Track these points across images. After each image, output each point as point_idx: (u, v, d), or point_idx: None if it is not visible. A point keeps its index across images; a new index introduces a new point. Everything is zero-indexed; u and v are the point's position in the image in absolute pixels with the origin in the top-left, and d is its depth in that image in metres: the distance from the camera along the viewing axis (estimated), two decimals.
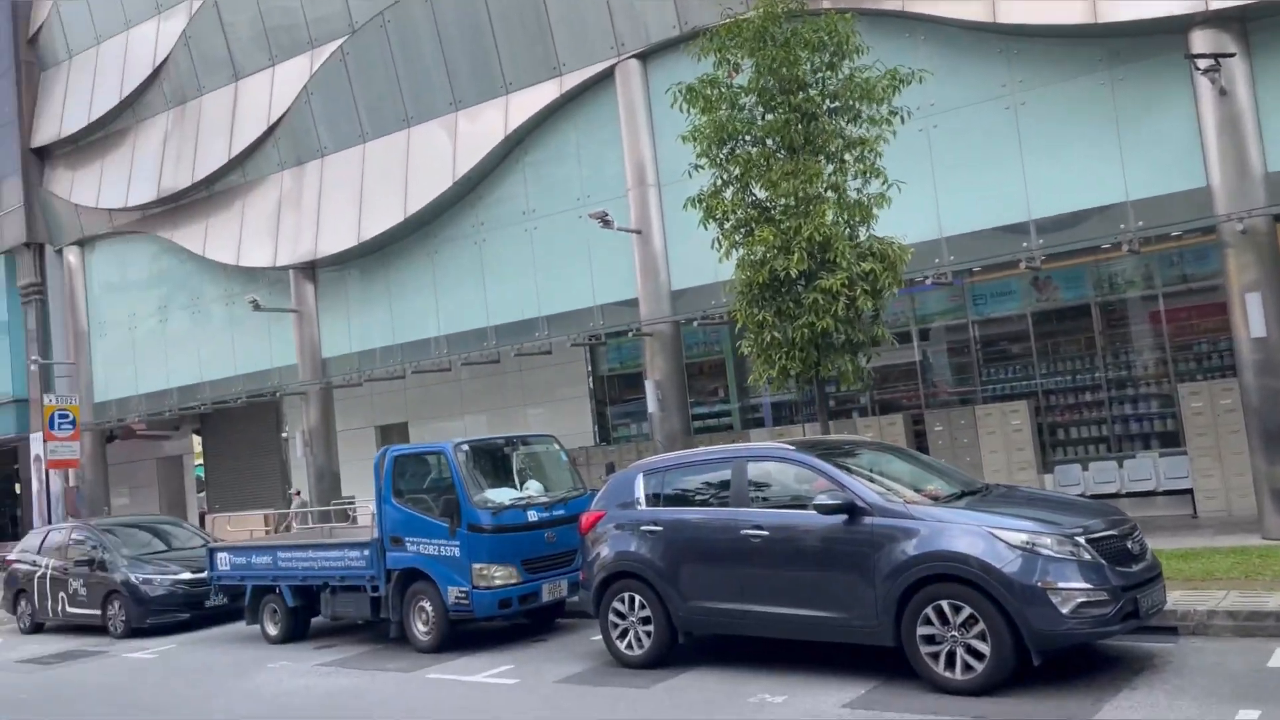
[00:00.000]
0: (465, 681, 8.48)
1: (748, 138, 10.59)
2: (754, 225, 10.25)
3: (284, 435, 23.55)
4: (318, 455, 20.20)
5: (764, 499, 7.75)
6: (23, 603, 15.08)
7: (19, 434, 25.50)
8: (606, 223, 14.53)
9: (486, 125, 17.27)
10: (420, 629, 10.06)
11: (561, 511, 10.21)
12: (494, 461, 10.80)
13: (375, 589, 10.46)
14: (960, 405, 15.28)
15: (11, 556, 15.95)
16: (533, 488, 10.44)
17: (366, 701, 8.12)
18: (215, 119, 21.29)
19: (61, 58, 24.87)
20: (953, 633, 6.52)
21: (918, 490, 7.44)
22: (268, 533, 19.12)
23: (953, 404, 15.48)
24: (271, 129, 20.17)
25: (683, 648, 8.18)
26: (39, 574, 14.74)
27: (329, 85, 19.27)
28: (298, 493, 21.15)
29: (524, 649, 9.64)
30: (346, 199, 19.13)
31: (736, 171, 10.49)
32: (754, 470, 7.83)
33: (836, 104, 10.51)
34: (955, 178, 13.18)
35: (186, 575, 13.35)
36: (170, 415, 23.47)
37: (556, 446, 11.24)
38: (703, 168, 10.74)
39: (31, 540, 15.91)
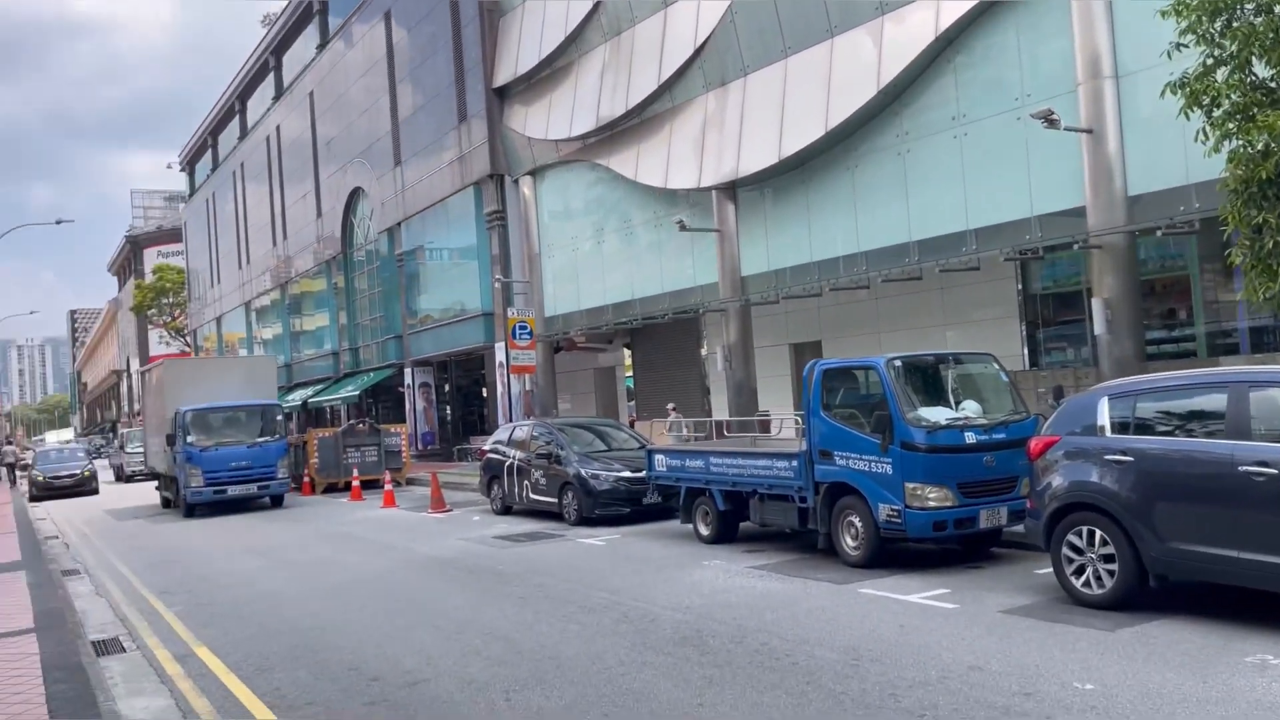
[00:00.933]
0: (901, 600, 8.30)
1: (1250, 6, 8.86)
2: (1255, 110, 8.60)
3: (703, 351, 24.74)
4: (736, 370, 20.96)
5: (1269, 432, 6.58)
6: (495, 487, 17.41)
7: (486, 343, 29.46)
8: (1052, 122, 13.16)
9: (915, 27, 16.34)
10: (849, 543, 10.02)
11: (1002, 435, 9.58)
12: (925, 379, 10.41)
13: (803, 500, 10.59)
14: None
15: (485, 447, 18.47)
16: (969, 408, 9.88)
17: (802, 608, 8.24)
18: (646, 47, 22.40)
19: (515, 3, 27.54)
20: None
21: None
22: (694, 439, 20.32)
23: None
24: (698, 52, 20.79)
25: (1150, 591, 7.31)
26: (508, 463, 16.91)
27: (752, 2, 19.34)
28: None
29: (958, 574, 9.24)
30: (767, 117, 19.25)
31: (1233, 48, 8.84)
32: (1258, 398, 6.67)
33: None
34: None
35: (627, 473, 14.55)
36: (606, 329, 25.70)
37: (996, 367, 10.53)
38: (1186, 46, 9.19)
39: (501, 434, 18.29)
